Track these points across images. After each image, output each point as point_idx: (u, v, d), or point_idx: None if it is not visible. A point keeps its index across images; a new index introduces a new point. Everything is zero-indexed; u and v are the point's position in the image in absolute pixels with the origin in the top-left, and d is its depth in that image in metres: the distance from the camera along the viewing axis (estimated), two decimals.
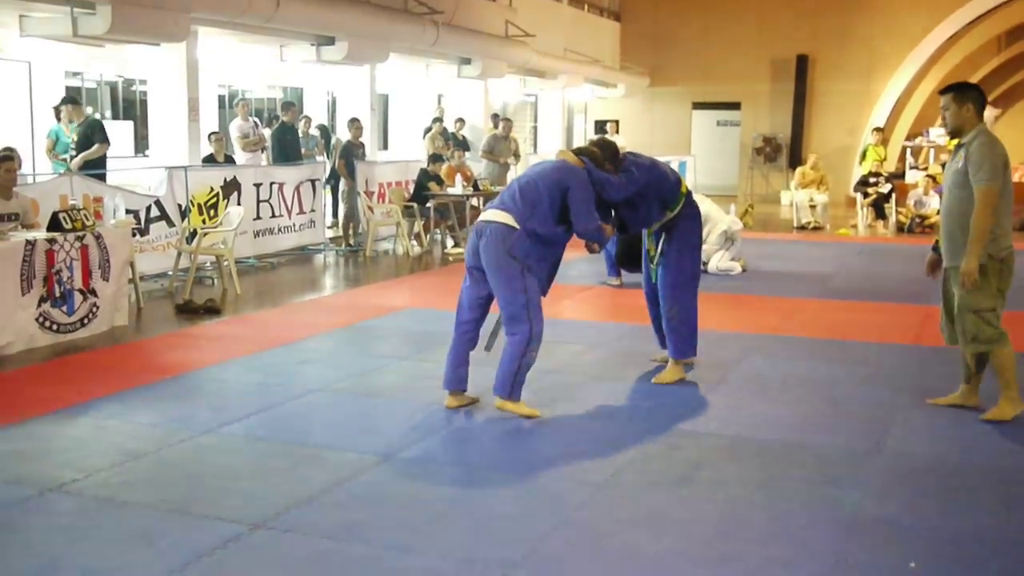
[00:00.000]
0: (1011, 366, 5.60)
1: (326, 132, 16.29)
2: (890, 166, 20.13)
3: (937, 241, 5.83)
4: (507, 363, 5.61)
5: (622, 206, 6.16)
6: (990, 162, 5.39)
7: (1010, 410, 5.61)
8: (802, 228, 16.88)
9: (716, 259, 11.00)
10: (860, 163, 19.25)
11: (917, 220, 16.42)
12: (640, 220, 6.33)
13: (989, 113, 20.30)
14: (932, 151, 21.38)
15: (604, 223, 5.89)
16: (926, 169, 20.06)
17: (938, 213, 16.53)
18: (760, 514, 4.27)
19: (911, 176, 19.66)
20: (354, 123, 14.10)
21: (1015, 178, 8.01)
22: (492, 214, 5.63)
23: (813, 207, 17.17)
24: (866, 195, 17.22)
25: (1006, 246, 5.51)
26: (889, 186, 17.10)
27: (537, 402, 5.80)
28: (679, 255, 6.34)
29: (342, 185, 13.93)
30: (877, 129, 19.34)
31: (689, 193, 6.39)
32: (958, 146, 5.62)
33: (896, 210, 16.76)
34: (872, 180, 17.28)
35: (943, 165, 20.17)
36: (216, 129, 14.01)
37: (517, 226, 5.52)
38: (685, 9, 24.73)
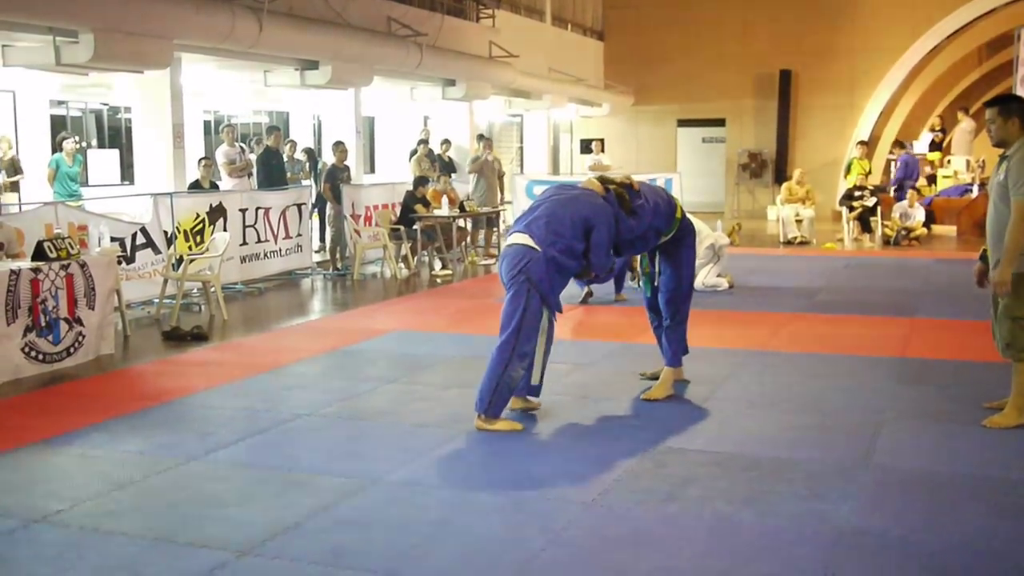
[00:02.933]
0: None
1: (313, 156, 16.31)
2: (875, 179, 20.21)
3: (985, 250, 5.86)
4: (487, 379, 5.69)
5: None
6: None
7: (1014, 419, 5.67)
8: (789, 243, 16.93)
9: (703, 275, 11.01)
10: (845, 177, 19.34)
11: (903, 233, 16.51)
12: (635, 250, 6.54)
13: (968, 125, 20.44)
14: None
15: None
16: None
17: (923, 226, 16.78)
18: (748, 530, 4.27)
19: None
20: (338, 146, 14.10)
21: None
22: (515, 237, 5.80)
23: (799, 222, 17.23)
24: (852, 209, 17.29)
25: None
26: (874, 199, 17.16)
27: (523, 421, 5.83)
28: (676, 269, 6.50)
29: (329, 209, 13.92)
30: (861, 143, 19.43)
31: (684, 215, 6.49)
32: (1002, 158, 5.65)
33: (882, 223, 16.84)
34: (857, 194, 17.35)
35: (928, 178, 20.43)
36: (203, 155, 14.02)
37: (538, 249, 5.65)
38: (668, 27, 24.81)
